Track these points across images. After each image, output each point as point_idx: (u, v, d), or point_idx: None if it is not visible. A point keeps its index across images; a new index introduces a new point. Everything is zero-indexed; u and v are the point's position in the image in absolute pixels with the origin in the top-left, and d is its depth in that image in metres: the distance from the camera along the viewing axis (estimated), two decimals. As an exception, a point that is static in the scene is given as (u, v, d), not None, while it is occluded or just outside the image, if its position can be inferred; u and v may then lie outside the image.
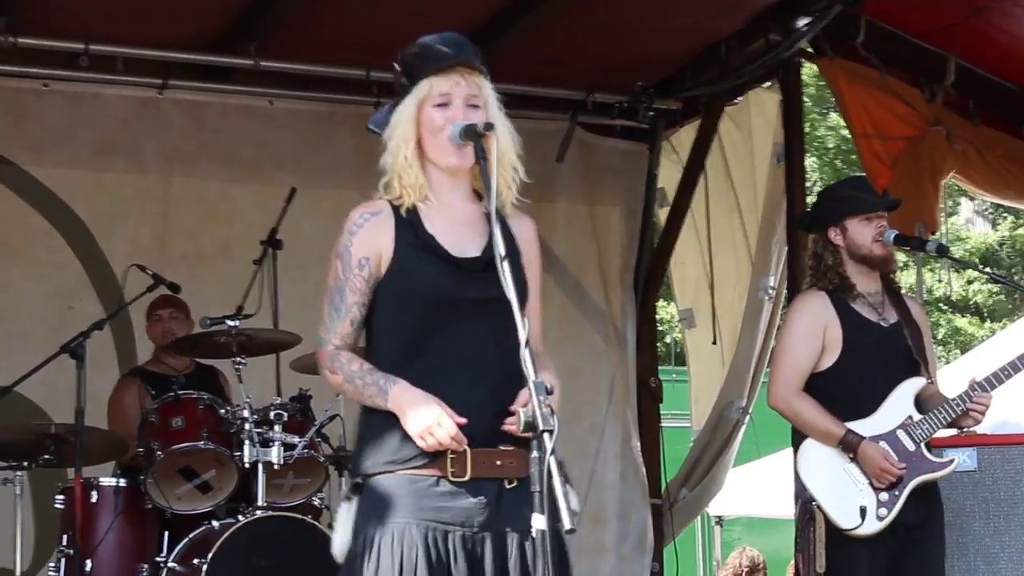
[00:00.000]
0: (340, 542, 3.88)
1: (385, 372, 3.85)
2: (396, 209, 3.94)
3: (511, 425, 3.65)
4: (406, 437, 3.78)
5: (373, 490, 3.83)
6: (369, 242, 3.90)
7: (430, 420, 3.72)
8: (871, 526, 5.79)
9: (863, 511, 5.79)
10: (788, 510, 6.58)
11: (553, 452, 3.42)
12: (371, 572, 3.73)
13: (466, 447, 3.77)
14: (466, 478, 3.79)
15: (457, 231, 3.95)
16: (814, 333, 5.94)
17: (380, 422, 3.85)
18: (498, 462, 3.81)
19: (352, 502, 3.87)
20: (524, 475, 3.71)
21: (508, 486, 3.82)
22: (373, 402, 3.84)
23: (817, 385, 5.96)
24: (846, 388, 5.91)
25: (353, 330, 3.93)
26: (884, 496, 5.80)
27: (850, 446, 5.81)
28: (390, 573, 3.70)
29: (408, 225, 3.92)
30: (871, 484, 5.81)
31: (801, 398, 5.93)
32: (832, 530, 5.83)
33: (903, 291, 6.21)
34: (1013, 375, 5.98)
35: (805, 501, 5.91)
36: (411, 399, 3.77)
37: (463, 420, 3.72)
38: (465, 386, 3.83)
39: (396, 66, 4.01)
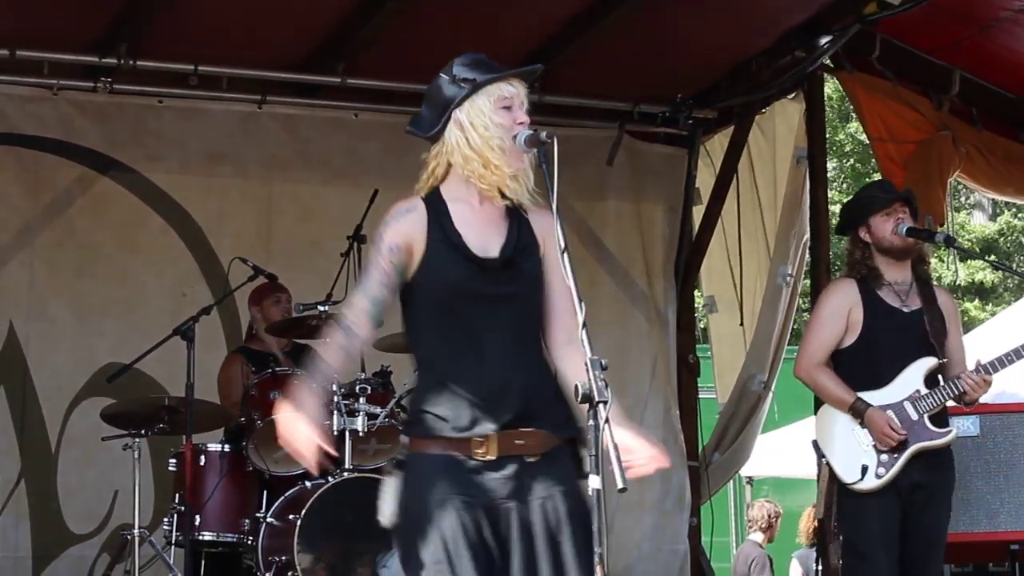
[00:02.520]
0: (388, 511, 3.84)
1: (425, 364, 3.86)
2: (429, 207, 3.86)
3: None
4: (449, 411, 3.77)
5: (413, 468, 3.79)
6: (402, 233, 3.82)
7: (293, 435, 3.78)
8: (869, 482, 5.85)
9: (864, 469, 5.87)
10: (809, 470, 6.59)
11: (608, 421, 3.40)
12: (416, 542, 3.71)
13: (491, 431, 3.74)
14: (492, 458, 3.75)
15: (480, 228, 3.87)
16: (840, 314, 6.02)
17: (430, 389, 3.83)
18: (518, 441, 3.76)
19: (396, 477, 3.83)
20: (543, 451, 3.76)
21: (529, 460, 3.78)
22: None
23: (840, 360, 6.05)
24: (864, 363, 5.98)
25: (370, 307, 3.83)
26: (885, 458, 5.86)
27: (858, 412, 5.89)
28: (434, 542, 3.67)
29: (438, 223, 3.84)
30: (875, 447, 5.86)
31: (821, 370, 6.03)
32: (843, 485, 5.92)
33: (935, 282, 6.24)
34: (1016, 361, 5.95)
35: (821, 458, 6.03)
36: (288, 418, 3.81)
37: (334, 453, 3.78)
38: (489, 375, 3.78)
39: (445, 75, 3.89)
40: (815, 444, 6.09)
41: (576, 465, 3.82)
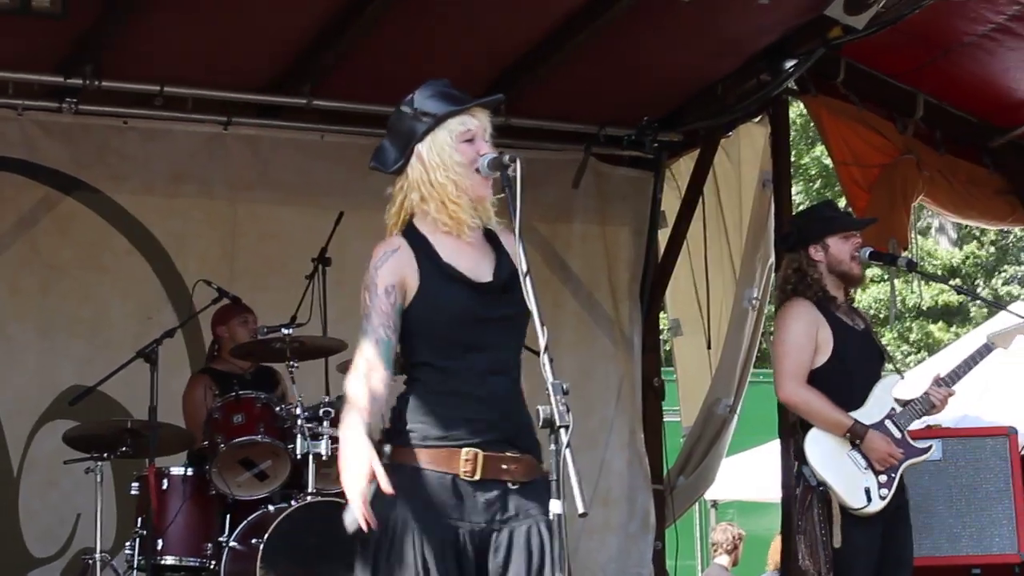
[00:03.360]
0: (351, 516, 3.70)
1: (423, 391, 3.80)
2: (411, 243, 3.85)
3: None
4: (442, 426, 3.74)
5: (396, 479, 3.68)
6: (394, 273, 3.81)
7: (356, 486, 3.61)
8: (876, 505, 5.76)
9: (867, 492, 5.76)
10: (773, 494, 6.55)
11: (568, 445, 3.38)
12: (387, 555, 3.67)
13: (478, 451, 3.72)
14: (476, 478, 3.73)
15: (467, 257, 3.87)
16: (811, 335, 5.89)
17: (421, 402, 3.80)
18: (504, 466, 3.75)
19: (373, 485, 3.71)
20: (527, 480, 3.75)
21: (512, 487, 3.76)
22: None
23: (812, 382, 5.90)
24: (838, 384, 5.86)
25: (379, 351, 3.79)
26: (883, 478, 5.78)
27: (857, 434, 5.78)
28: (409, 559, 3.65)
29: (427, 257, 3.83)
30: (871, 468, 5.78)
31: (809, 390, 5.86)
32: (845, 511, 5.77)
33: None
34: (969, 371, 5.97)
35: (813, 486, 5.81)
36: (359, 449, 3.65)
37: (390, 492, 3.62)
38: (481, 396, 3.77)
39: (405, 108, 3.89)
40: (804, 471, 5.86)
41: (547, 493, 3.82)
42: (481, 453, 3.73)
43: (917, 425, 6.13)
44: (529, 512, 3.74)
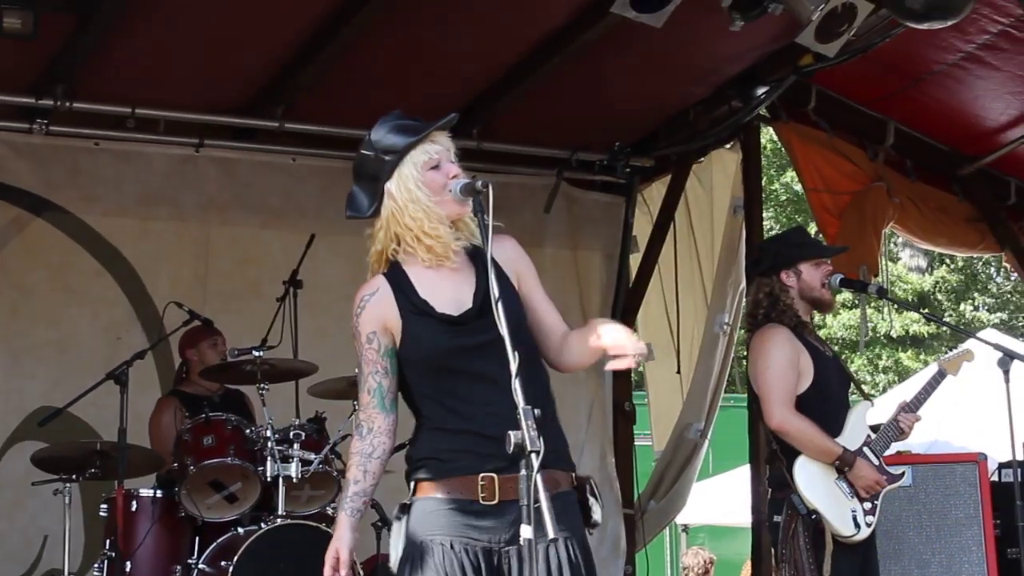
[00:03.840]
0: (395, 556, 3.87)
1: (428, 424, 3.86)
2: (391, 282, 3.88)
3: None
4: (454, 456, 3.80)
5: (418, 511, 3.82)
6: (374, 319, 3.85)
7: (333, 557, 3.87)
8: (864, 532, 5.76)
9: (855, 519, 5.75)
10: (744, 519, 6.54)
11: (539, 470, 3.38)
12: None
13: (494, 475, 3.75)
14: (495, 502, 3.76)
15: (448, 287, 3.88)
16: (792, 362, 5.83)
17: (429, 436, 3.86)
18: (521, 486, 3.72)
19: (402, 521, 3.86)
20: (553, 493, 3.67)
21: (535, 504, 3.74)
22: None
23: (797, 408, 5.83)
24: (819, 410, 5.82)
25: (373, 398, 3.88)
26: (867, 505, 5.78)
27: (847, 462, 5.75)
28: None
29: (404, 296, 3.86)
30: (856, 495, 5.77)
31: (801, 418, 5.78)
32: (811, 539, 5.74)
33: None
34: (928, 397, 6.00)
35: (803, 514, 5.74)
36: (339, 534, 3.90)
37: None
38: (488, 421, 3.74)
39: (365, 152, 3.92)
40: (793, 499, 5.77)
41: (582, 510, 3.87)
42: (497, 477, 3.75)
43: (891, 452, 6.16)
44: (544, 531, 3.63)
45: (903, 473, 5.96)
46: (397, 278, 3.88)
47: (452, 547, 3.74)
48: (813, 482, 5.77)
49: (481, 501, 3.76)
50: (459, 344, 3.82)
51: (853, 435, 5.86)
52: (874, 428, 5.96)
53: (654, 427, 9.60)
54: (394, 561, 3.87)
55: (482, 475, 3.76)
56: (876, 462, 5.85)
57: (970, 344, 6.87)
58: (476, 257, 3.92)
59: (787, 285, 5.98)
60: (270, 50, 7.83)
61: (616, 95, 8.45)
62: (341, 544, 3.87)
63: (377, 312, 3.85)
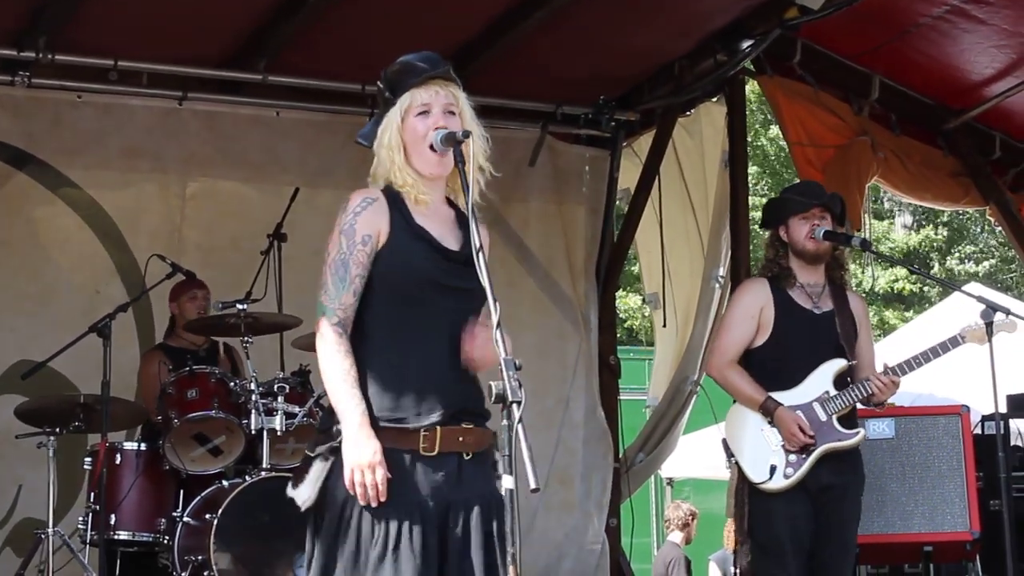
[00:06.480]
0: (307, 492, 3.79)
1: (373, 350, 3.80)
2: (388, 198, 3.89)
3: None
4: (397, 398, 3.75)
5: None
6: (371, 222, 3.83)
7: (365, 460, 3.65)
8: (778, 482, 5.87)
9: (772, 468, 5.88)
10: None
11: (521, 421, 3.40)
12: (353, 538, 3.70)
13: (436, 427, 3.74)
14: (434, 453, 3.75)
15: (438, 227, 3.91)
16: (751, 314, 6.04)
17: (375, 375, 3.79)
18: (460, 438, 3.78)
19: (328, 462, 3.77)
20: (480, 449, 3.79)
21: (466, 458, 3.80)
22: (336, 408, 3.75)
23: (752, 359, 6.06)
24: (775, 363, 6.00)
25: (355, 300, 3.82)
26: (793, 458, 5.87)
27: (768, 410, 5.91)
28: (375, 540, 3.68)
29: (400, 214, 3.87)
30: (784, 447, 5.87)
31: (732, 368, 6.04)
32: (752, 485, 5.92)
33: (850, 287, 6.25)
34: (923, 364, 6.00)
35: (728, 457, 6.04)
36: (363, 436, 3.68)
37: (388, 476, 3.66)
38: (442, 365, 3.79)
39: (379, 84, 3.96)
40: (724, 443, 6.08)
41: (493, 465, 3.84)
42: (439, 429, 3.75)
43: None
44: (483, 484, 3.78)
45: (856, 434, 5.94)
46: (394, 197, 3.90)
47: (394, 506, 3.68)
48: (739, 427, 6.02)
49: (421, 452, 3.75)
50: (442, 279, 3.83)
51: (808, 389, 5.95)
52: (845, 387, 5.97)
53: (653, 375, 9.65)
54: (303, 499, 3.78)
55: (424, 427, 3.74)
56: (823, 418, 5.89)
57: (955, 297, 6.88)
58: (461, 220, 3.94)
59: (782, 239, 6.13)
60: (253, 2, 7.79)
61: (600, 48, 8.43)
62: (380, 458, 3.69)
63: (374, 218, 3.84)
